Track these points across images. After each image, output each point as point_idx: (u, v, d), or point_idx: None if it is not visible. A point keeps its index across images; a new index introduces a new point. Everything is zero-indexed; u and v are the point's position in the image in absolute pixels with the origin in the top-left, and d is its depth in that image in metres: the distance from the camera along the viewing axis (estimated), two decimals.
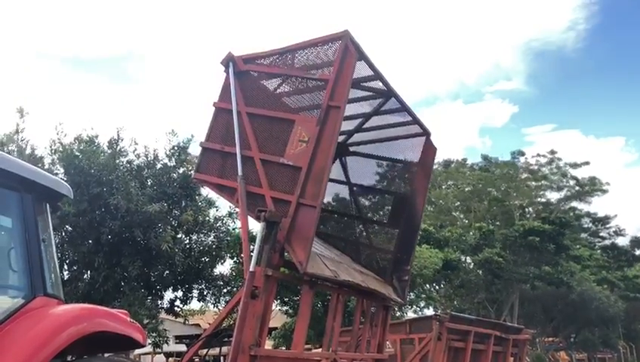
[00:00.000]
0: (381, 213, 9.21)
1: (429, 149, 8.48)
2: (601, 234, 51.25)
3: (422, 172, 8.51)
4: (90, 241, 13.63)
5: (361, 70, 6.85)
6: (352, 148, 8.71)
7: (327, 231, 8.97)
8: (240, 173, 6.45)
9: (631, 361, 44.49)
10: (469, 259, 28.85)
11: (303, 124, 6.36)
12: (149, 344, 15.05)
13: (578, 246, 37.41)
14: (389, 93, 7.55)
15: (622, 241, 51.88)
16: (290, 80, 6.95)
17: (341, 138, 8.23)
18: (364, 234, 8.81)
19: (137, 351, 17.87)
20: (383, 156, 8.72)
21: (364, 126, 8.36)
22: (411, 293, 23.45)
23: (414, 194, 8.43)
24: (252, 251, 5.88)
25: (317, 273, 6.24)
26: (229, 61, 6.92)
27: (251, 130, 6.61)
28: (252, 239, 6.28)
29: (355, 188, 8.87)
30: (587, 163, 39.20)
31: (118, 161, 14.33)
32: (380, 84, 7.33)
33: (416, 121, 8.19)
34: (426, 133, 8.44)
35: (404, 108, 7.89)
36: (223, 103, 6.92)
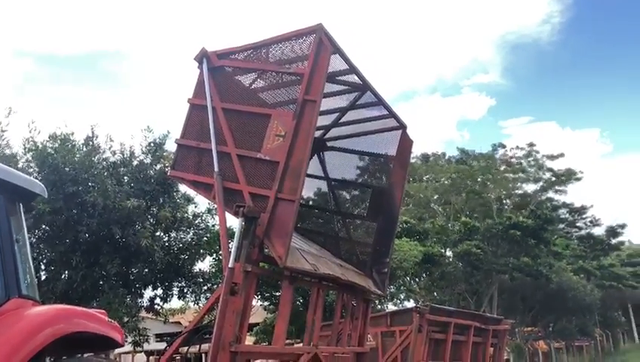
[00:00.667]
0: (360, 206, 9.23)
1: (406, 142, 8.52)
2: (577, 224, 52.04)
3: (399, 165, 8.55)
4: (67, 240, 13.43)
5: (336, 64, 6.84)
6: (329, 143, 8.71)
7: (306, 226, 8.96)
8: (216, 169, 6.40)
9: (607, 348, 45.35)
10: (449, 252, 29.06)
11: (279, 118, 6.33)
12: (130, 343, 14.91)
13: (555, 237, 37.94)
14: (364, 86, 7.55)
15: (598, 231, 52.84)
16: (265, 75, 6.92)
17: (318, 133, 8.22)
18: (344, 228, 8.83)
19: (118, 350, 17.69)
20: (361, 150, 8.74)
21: (341, 120, 8.35)
22: (391, 286, 23.56)
23: (392, 187, 8.47)
24: (231, 247, 5.86)
25: (297, 267, 6.24)
26: (202, 57, 6.86)
27: (227, 125, 6.56)
28: (231, 235, 6.25)
29: (333, 183, 8.87)
30: (562, 155, 39.73)
31: (93, 159, 14.13)
32: (356, 77, 7.31)
33: (392, 114, 8.21)
34: (402, 126, 8.46)
35: (380, 101, 7.90)
36: (198, 99, 6.86)
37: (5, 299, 4.34)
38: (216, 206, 6.76)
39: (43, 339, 4.14)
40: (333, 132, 8.61)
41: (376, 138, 8.56)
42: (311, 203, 9.23)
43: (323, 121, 7.96)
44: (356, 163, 8.95)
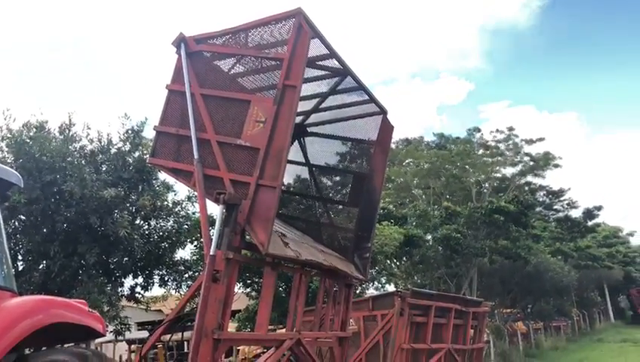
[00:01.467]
0: (342, 192, 9.23)
1: (386, 128, 8.52)
2: (555, 207, 52.79)
3: (380, 150, 8.55)
4: (44, 230, 13.25)
5: (315, 49, 6.79)
6: (309, 129, 8.68)
7: (287, 212, 8.95)
8: (196, 156, 6.33)
9: (583, 328, 46.27)
10: (429, 236, 29.26)
11: (259, 104, 6.28)
12: (111, 332, 14.82)
13: (534, 220, 38.43)
14: (344, 71, 7.52)
15: (575, 213, 53.69)
16: (244, 60, 6.85)
17: (298, 119, 8.18)
18: (325, 214, 8.83)
19: (98, 340, 17.58)
20: (341, 136, 8.72)
21: (321, 106, 8.32)
22: (372, 270, 23.69)
23: (373, 173, 8.48)
24: (212, 235, 5.82)
25: (279, 253, 6.23)
26: (180, 42, 6.76)
27: (206, 111, 6.49)
28: (212, 223, 6.21)
29: (314, 169, 8.86)
30: (542, 139, 40.08)
31: (70, 147, 13.92)
32: (336, 62, 7.27)
33: (372, 99, 8.20)
34: (382, 111, 8.46)
35: (360, 86, 7.87)
36: (176, 85, 6.77)
37: None
38: (196, 193, 6.70)
39: (22, 331, 4.09)
40: (314, 117, 8.58)
41: (356, 123, 8.55)
42: (292, 189, 9.20)
43: (303, 106, 7.92)
44: (337, 148, 8.94)
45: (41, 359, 4.08)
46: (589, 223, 55.74)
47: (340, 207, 8.99)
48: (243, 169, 6.18)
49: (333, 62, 7.34)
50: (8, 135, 13.29)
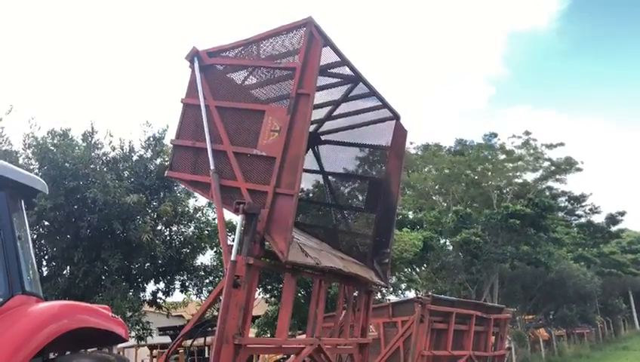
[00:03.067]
0: (360, 198, 9.22)
1: (400, 132, 8.52)
2: (577, 212, 52.06)
3: (394, 155, 8.55)
4: (68, 236, 13.46)
5: (327, 56, 6.80)
6: (323, 137, 8.68)
7: (305, 221, 8.96)
8: (212, 167, 6.38)
9: (608, 335, 45.52)
10: (448, 242, 29.08)
11: (273, 113, 6.33)
12: (133, 337, 14.98)
13: (555, 226, 37.94)
14: (356, 78, 7.53)
15: (597, 219, 52.88)
16: (257, 71, 6.89)
17: (312, 127, 8.20)
18: (342, 220, 8.83)
19: (121, 345, 17.79)
20: (355, 142, 8.71)
21: (334, 114, 8.33)
22: (392, 276, 23.63)
23: (389, 178, 8.47)
24: (231, 242, 5.87)
25: (298, 261, 6.25)
26: (193, 56, 6.82)
27: (221, 123, 6.54)
28: (231, 229, 6.26)
29: (329, 177, 8.87)
30: (562, 144, 39.62)
31: (93, 154, 14.14)
32: (347, 69, 7.29)
33: (385, 104, 8.20)
34: (395, 116, 8.46)
35: (372, 92, 7.87)
36: (191, 99, 6.83)
37: (9, 296, 4.37)
38: None
39: (47, 335, 4.17)
40: (327, 125, 8.58)
41: (370, 129, 8.54)
42: (309, 196, 9.21)
43: (316, 114, 7.94)
44: (351, 155, 8.92)
45: None
46: (613, 229, 54.82)
47: (357, 213, 8.98)
48: (260, 178, 6.21)
49: (345, 70, 7.36)
50: (34, 142, 13.54)
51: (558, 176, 40.39)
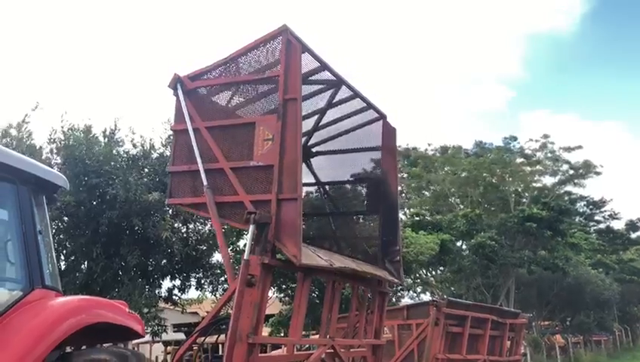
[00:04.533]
0: (359, 202, 9.19)
1: (389, 130, 8.51)
2: (596, 217, 51.44)
3: (387, 153, 8.54)
4: (87, 231, 13.63)
5: (306, 65, 6.80)
6: (314, 149, 8.65)
7: (309, 234, 8.91)
8: (205, 183, 6.43)
9: (626, 343, 44.92)
10: (464, 246, 28.91)
11: (264, 123, 6.39)
12: (148, 333, 15.12)
13: (574, 231, 37.51)
14: (338, 81, 7.53)
15: (617, 225, 52.17)
16: (241, 90, 6.94)
17: (302, 140, 8.19)
18: (347, 227, 8.81)
19: (135, 341, 17.98)
20: (347, 148, 8.68)
21: (322, 123, 8.33)
22: (408, 279, 23.56)
23: (386, 176, 8.46)
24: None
25: (312, 263, 6.28)
26: (176, 83, 6.87)
27: (214, 142, 6.59)
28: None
29: (327, 187, 8.87)
30: (580, 147, 39.13)
31: (114, 151, 14.31)
32: (328, 73, 7.30)
33: (370, 105, 8.18)
34: (382, 116, 8.45)
35: (356, 94, 7.86)
36: (180, 125, 6.88)
37: (30, 289, 4.44)
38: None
39: (66, 329, 4.23)
40: (317, 136, 8.50)
41: (359, 133, 8.51)
42: (308, 210, 9.15)
43: (304, 126, 7.91)
44: (345, 161, 8.87)
45: (83, 357, 4.21)
46: (633, 236, 54.06)
47: (361, 217, 8.96)
48: (261, 188, 6.23)
49: (326, 75, 7.34)
50: (59, 138, 13.73)
51: (576, 181, 39.93)
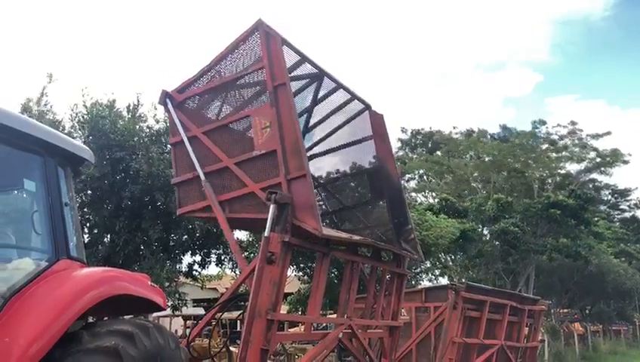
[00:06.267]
0: (361, 192, 9.18)
1: (376, 118, 8.48)
2: (621, 206, 50.71)
3: (379, 140, 8.52)
4: (111, 205, 13.80)
5: (286, 59, 6.77)
6: (308, 153, 8.62)
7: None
8: (203, 178, 6.57)
9: None
10: (485, 231, 28.72)
11: (258, 113, 6.48)
12: (169, 306, 15.36)
13: (597, 219, 37.00)
14: (320, 74, 7.53)
15: None
16: (230, 95, 6.97)
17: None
18: (357, 220, 8.80)
19: (156, 314, 18.30)
20: (340, 145, 8.65)
21: (310, 125, 8.32)
22: (427, 262, 23.52)
23: (383, 163, 8.45)
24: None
25: (333, 235, 6.38)
26: (165, 98, 6.97)
27: (213, 144, 6.69)
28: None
29: (327, 186, 8.88)
30: (609, 133, 38.36)
31: (137, 126, 14.41)
32: (309, 66, 7.29)
33: (354, 96, 8.16)
34: (367, 106, 8.42)
35: (339, 85, 7.86)
36: (176, 137, 6.97)
37: (55, 259, 4.53)
38: None
39: (90, 300, 4.31)
40: (308, 138, 8.43)
41: (348, 127, 8.52)
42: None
43: None
44: (341, 158, 8.87)
45: (106, 328, 4.28)
46: None
47: (367, 206, 8.95)
48: (268, 174, 6.31)
49: (307, 68, 7.33)
50: (84, 112, 13.86)
51: (603, 169, 39.32)
